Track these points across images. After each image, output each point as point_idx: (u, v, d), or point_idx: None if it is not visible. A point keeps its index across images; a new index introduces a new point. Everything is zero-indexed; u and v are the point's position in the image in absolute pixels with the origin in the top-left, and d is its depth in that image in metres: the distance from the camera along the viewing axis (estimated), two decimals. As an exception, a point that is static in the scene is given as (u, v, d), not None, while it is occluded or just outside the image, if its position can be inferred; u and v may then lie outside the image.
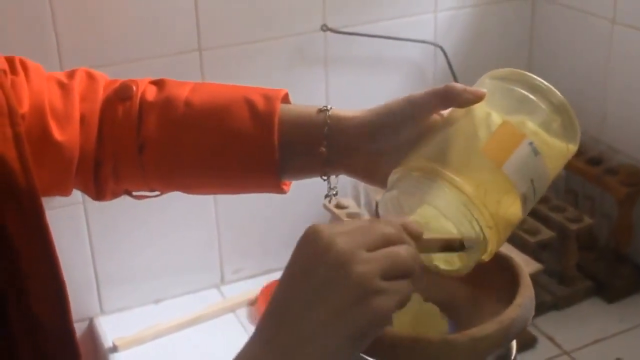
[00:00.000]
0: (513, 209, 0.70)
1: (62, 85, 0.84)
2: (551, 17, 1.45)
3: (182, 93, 0.84)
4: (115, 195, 0.89)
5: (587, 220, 1.29)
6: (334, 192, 0.85)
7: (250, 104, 0.82)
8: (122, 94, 0.85)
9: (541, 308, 1.28)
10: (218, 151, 0.83)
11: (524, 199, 0.70)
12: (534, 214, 1.32)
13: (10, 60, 0.83)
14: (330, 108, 0.81)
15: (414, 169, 0.70)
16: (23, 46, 1.13)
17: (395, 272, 0.61)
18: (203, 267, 1.40)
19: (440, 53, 1.40)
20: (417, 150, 0.72)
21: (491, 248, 0.72)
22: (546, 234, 1.27)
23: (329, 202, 0.86)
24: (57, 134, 0.82)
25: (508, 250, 1.22)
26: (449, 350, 0.72)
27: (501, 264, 0.84)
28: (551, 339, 1.24)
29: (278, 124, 0.81)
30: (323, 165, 0.81)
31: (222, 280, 1.41)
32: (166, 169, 0.85)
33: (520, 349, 1.21)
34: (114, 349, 1.26)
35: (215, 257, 1.40)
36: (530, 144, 0.70)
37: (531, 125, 0.71)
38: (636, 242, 1.34)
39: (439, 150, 0.70)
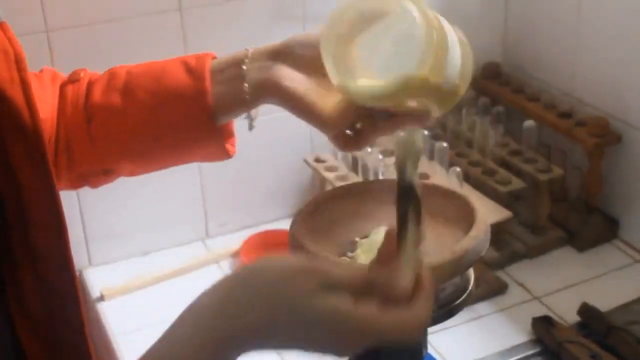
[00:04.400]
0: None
1: (37, 75, 0.92)
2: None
3: (125, 67, 0.91)
4: (72, 182, 0.93)
5: (558, 171, 1.34)
6: (252, 120, 0.90)
7: (184, 62, 0.88)
8: (72, 77, 0.92)
9: (514, 257, 1.33)
10: (158, 108, 0.88)
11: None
12: (506, 165, 1.37)
13: None
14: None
15: None
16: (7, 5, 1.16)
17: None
18: (189, 221, 1.44)
19: (417, 11, 1.43)
20: None
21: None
22: (517, 184, 1.31)
23: (249, 129, 0.92)
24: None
25: (481, 199, 1.27)
26: (404, 278, 0.77)
27: (460, 204, 0.89)
28: (522, 285, 1.29)
29: (209, 72, 0.86)
30: (246, 93, 0.85)
31: (207, 234, 1.46)
32: (114, 137, 0.89)
33: (492, 295, 1.26)
34: (101, 298, 1.31)
35: (200, 212, 1.44)
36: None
37: None
38: (606, 193, 1.38)
39: None
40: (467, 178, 1.31)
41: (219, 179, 1.43)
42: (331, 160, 1.38)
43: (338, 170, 1.35)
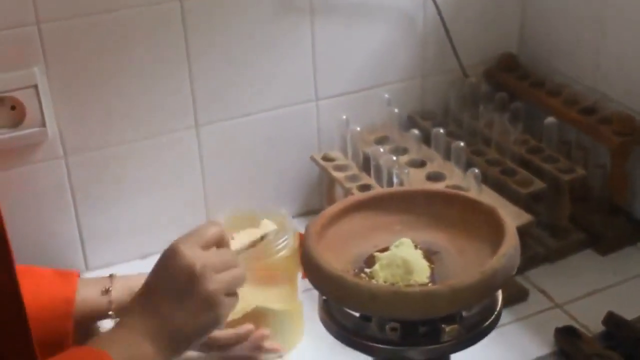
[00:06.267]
0: None
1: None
2: (545, -37, 1.42)
3: None
4: None
5: (580, 171, 1.27)
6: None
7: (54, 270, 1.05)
8: None
9: (533, 261, 1.27)
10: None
11: None
12: (526, 164, 1.30)
13: None
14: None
15: None
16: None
17: (232, 290, 0.88)
18: (190, 222, 1.37)
19: (430, 1, 1.36)
20: None
21: None
22: (538, 185, 1.24)
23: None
24: None
25: (500, 202, 1.20)
26: (429, 301, 0.71)
27: (486, 215, 0.82)
28: (543, 292, 1.22)
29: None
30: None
31: (210, 236, 1.39)
32: None
33: (512, 302, 1.20)
34: (99, 305, 1.24)
35: (202, 212, 1.38)
36: None
37: None
38: (631, 194, 1.31)
39: None
40: (484, 178, 1.24)
41: (221, 177, 1.36)
42: (341, 159, 1.31)
43: (348, 169, 1.28)
